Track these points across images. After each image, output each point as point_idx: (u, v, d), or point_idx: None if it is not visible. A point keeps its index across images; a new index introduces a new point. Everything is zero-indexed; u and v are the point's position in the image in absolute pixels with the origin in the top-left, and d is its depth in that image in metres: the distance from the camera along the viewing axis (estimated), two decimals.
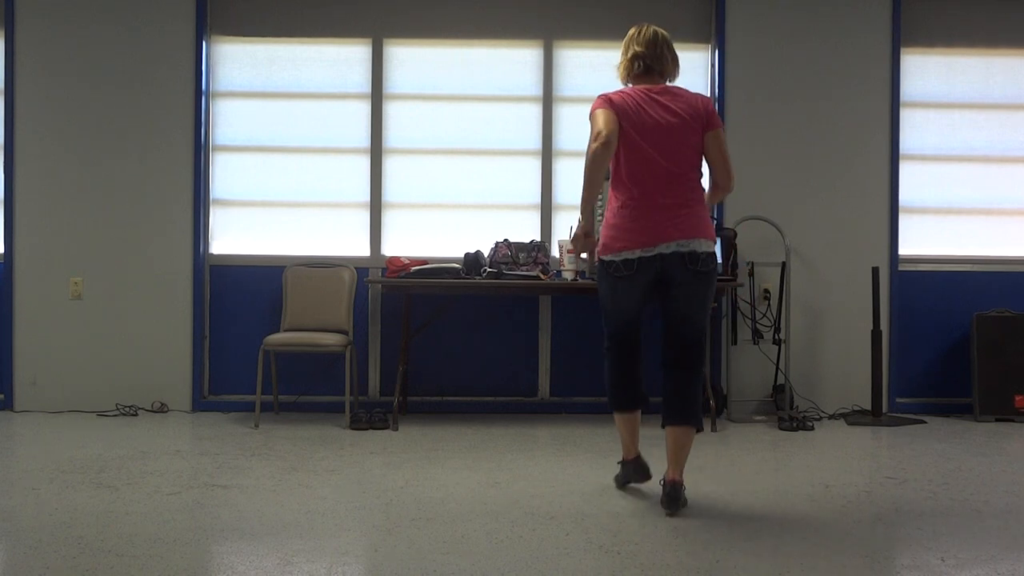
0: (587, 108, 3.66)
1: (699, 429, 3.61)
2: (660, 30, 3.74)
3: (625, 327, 3.71)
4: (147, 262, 5.77)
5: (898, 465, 4.42)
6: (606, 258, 3.62)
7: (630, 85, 3.71)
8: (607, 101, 3.58)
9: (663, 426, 3.61)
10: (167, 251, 5.76)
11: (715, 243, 3.65)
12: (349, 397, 5.42)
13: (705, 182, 3.72)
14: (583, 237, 3.63)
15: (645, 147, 3.54)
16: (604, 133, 3.48)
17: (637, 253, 3.54)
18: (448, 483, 3.97)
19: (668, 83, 3.72)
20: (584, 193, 3.53)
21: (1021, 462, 4.53)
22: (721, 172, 3.64)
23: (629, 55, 3.71)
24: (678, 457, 3.56)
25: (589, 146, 3.51)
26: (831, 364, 5.84)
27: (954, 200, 5.99)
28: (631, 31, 3.76)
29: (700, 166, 3.65)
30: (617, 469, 3.97)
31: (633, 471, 3.83)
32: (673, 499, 3.51)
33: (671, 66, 3.73)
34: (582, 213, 3.58)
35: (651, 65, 3.68)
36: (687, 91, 3.67)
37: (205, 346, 5.84)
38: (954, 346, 5.92)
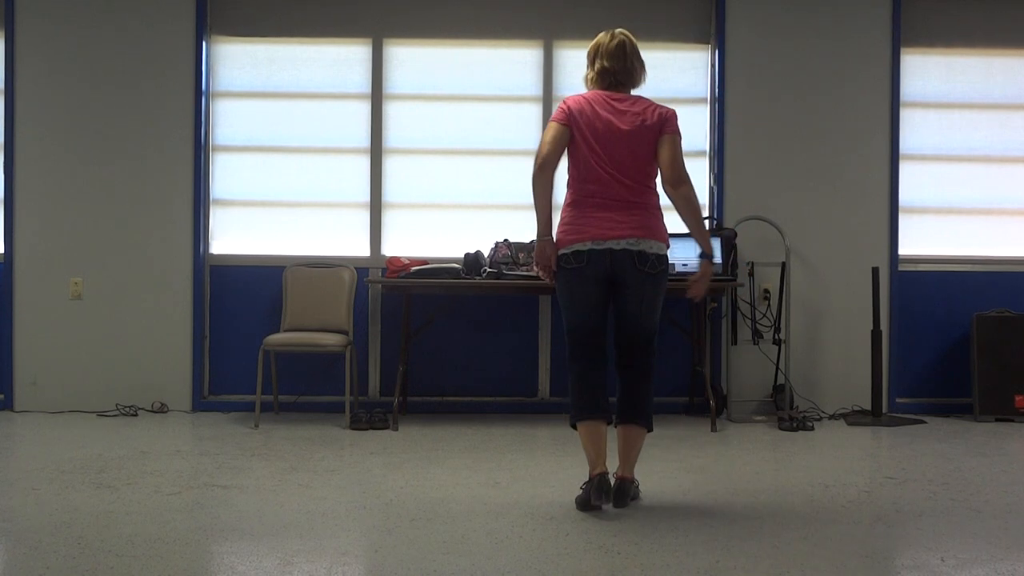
0: None
1: (649, 429, 3.65)
2: (627, 38, 3.74)
3: (584, 326, 3.65)
4: (147, 262, 5.77)
5: (898, 465, 4.42)
6: (560, 252, 3.65)
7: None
8: (565, 112, 3.66)
9: (615, 425, 3.63)
10: (167, 251, 5.76)
11: (667, 246, 3.67)
12: (349, 397, 5.42)
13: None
14: (543, 252, 3.65)
15: (600, 150, 3.61)
16: (541, 156, 3.60)
17: (588, 245, 3.58)
18: (448, 483, 3.97)
19: (634, 92, 3.77)
20: (538, 222, 3.62)
21: (1021, 462, 4.54)
22: (668, 170, 3.65)
23: (597, 68, 3.73)
24: (628, 455, 3.61)
25: (535, 166, 3.62)
26: (831, 364, 5.84)
27: (954, 200, 5.99)
28: (599, 39, 3.76)
29: (655, 173, 3.70)
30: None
31: (596, 487, 3.50)
32: (621, 495, 3.55)
33: (639, 75, 3.77)
34: (539, 235, 3.64)
35: (622, 80, 3.73)
36: (650, 100, 3.72)
37: (205, 346, 5.84)
38: (954, 346, 5.92)
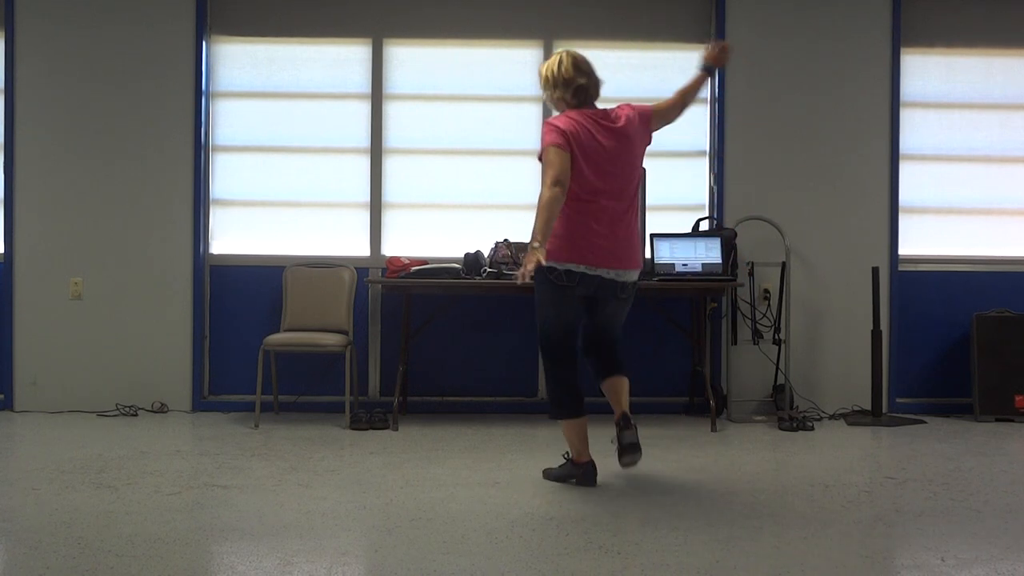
0: None
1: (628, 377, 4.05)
2: (578, 54, 3.96)
3: (565, 334, 3.94)
4: (147, 262, 5.77)
5: (898, 465, 4.42)
6: (549, 264, 3.77)
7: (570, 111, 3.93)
8: (560, 134, 3.79)
9: (601, 380, 4.01)
10: (167, 251, 5.76)
11: (641, 268, 4.01)
12: (349, 397, 5.42)
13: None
14: (535, 259, 3.66)
15: (598, 170, 3.81)
16: (561, 180, 3.72)
17: (581, 268, 3.81)
18: (448, 483, 3.97)
19: (597, 105, 3.97)
20: (542, 232, 3.67)
21: (1021, 462, 4.54)
22: (676, 109, 4.03)
23: (575, 87, 3.89)
24: (621, 399, 3.98)
25: (546, 189, 3.73)
26: (831, 364, 5.84)
27: (954, 200, 5.99)
28: (560, 61, 3.92)
29: (639, 184, 4.05)
30: (557, 462, 4.12)
31: (584, 474, 3.93)
32: (629, 429, 3.86)
33: (600, 87, 4.00)
34: (538, 242, 3.66)
35: (593, 95, 3.95)
36: (616, 109, 3.93)
37: (205, 346, 5.84)
38: (954, 346, 5.92)
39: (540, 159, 3.87)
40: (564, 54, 3.96)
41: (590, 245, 3.80)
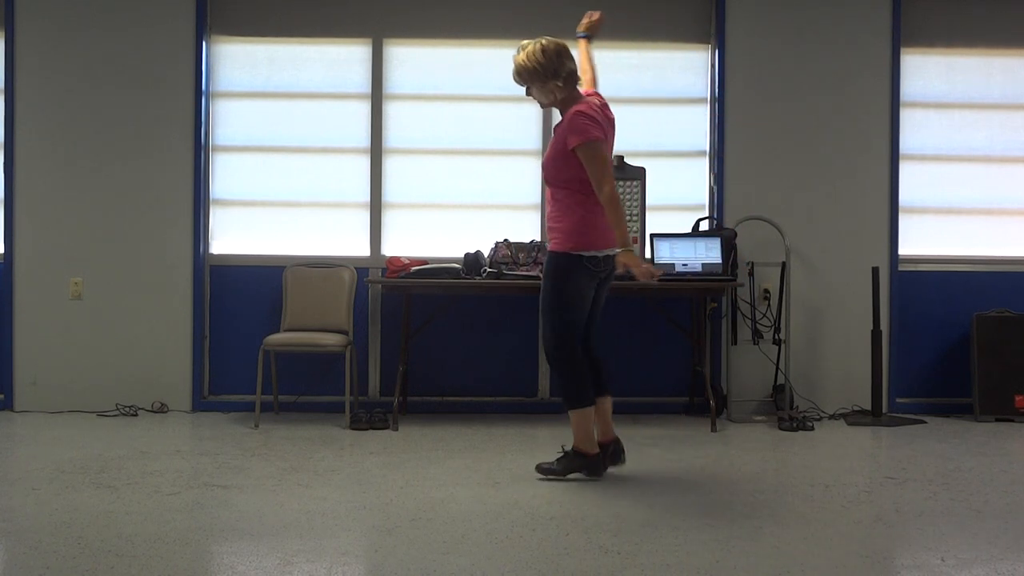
0: None
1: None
2: (556, 39, 4.00)
3: (580, 329, 4.02)
4: (147, 262, 5.77)
5: (898, 465, 4.43)
6: (588, 254, 3.90)
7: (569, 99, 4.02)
8: (600, 128, 3.89)
9: (595, 398, 4.03)
10: (167, 251, 5.76)
11: None
12: (349, 397, 5.42)
13: None
14: (640, 258, 3.93)
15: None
16: (614, 178, 3.89)
17: (605, 252, 3.95)
18: (448, 483, 3.97)
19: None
20: (625, 227, 3.85)
21: (1021, 462, 4.54)
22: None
23: (566, 72, 3.94)
24: (610, 419, 4.11)
25: (610, 189, 3.79)
26: (831, 364, 5.84)
27: (954, 200, 5.99)
28: (541, 51, 3.92)
29: None
30: (557, 454, 4.15)
31: (594, 464, 4.00)
32: (621, 454, 4.10)
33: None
34: (629, 243, 3.85)
35: (577, 78, 4.03)
36: (604, 101, 4.06)
37: (205, 346, 5.84)
38: (954, 346, 5.92)
39: (573, 150, 3.84)
40: (544, 41, 3.94)
41: (606, 229, 3.91)
